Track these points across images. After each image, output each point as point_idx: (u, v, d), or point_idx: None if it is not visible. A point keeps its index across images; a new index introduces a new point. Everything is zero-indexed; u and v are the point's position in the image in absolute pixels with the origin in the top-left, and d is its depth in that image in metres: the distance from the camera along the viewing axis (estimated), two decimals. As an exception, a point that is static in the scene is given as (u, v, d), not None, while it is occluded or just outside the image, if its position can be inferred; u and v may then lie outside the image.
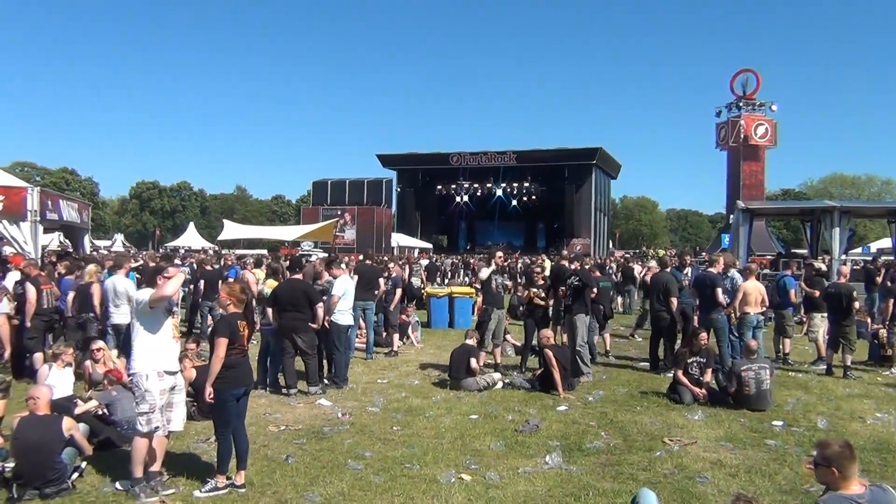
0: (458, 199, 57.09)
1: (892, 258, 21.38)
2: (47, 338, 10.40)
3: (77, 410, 7.08)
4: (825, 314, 11.85)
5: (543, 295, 11.55)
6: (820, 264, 15.09)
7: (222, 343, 5.65)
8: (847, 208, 19.60)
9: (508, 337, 12.03)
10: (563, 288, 10.98)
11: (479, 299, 14.09)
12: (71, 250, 18.30)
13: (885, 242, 34.70)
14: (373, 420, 8.13)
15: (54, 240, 25.08)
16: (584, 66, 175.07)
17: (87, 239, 18.91)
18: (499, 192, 55.62)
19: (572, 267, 11.02)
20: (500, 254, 11.81)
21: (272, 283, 10.87)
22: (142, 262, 18.52)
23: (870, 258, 26.44)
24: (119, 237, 54.76)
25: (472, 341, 10.28)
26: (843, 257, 18.88)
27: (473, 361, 9.88)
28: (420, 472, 6.20)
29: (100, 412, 7.18)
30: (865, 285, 15.51)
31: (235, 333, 5.74)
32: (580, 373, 10.41)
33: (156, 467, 5.71)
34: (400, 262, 20.94)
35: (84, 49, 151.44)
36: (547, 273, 15.16)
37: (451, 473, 6.09)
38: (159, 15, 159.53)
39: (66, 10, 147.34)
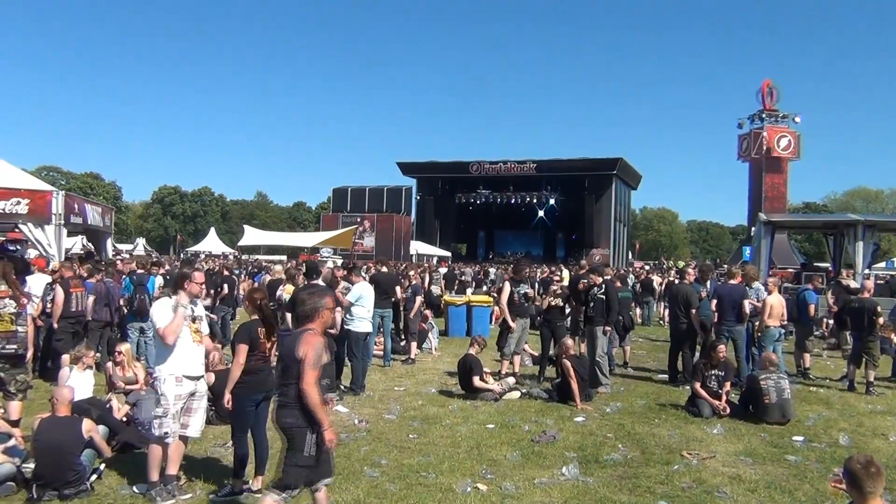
0: (469, 208, 56.91)
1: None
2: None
3: (117, 415, 7.21)
4: None
5: (562, 303, 11.53)
6: (849, 281, 14.81)
7: (242, 350, 5.69)
8: (871, 222, 19.34)
9: (526, 346, 11.99)
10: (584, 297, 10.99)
11: (496, 309, 14.09)
12: (94, 253, 18.50)
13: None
14: (389, 428, 8.13)
15: (77, 243, 25.35)
16: (606, 77, 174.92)
17: (109, 242, 19.16)
18: (518, 202, 55.47)
19: (599, 280, 10.95)
20: (526, 268, 11.82)
21: (290, 289, 10.93)
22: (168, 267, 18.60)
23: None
24: (141, 241, 55.31)
25: (474, 350, 10.25)
26: (867, 272, 18.63)
27: (476, 379, 9.81)
28: (436, 480, 6.18)
29: (128, 414, 7.31)
30: None
31: (255, 340, 5.77)
32: (598, 384, 10.36)
33: (173, 471, 5.73)
34: (419, 270, 20.95)
35: (110, 55, 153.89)
36: (566, 282, 15.13)
37: (467, 483, 6.07)
38: (185, 22, 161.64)
39: (93, 17, 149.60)
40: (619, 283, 13.73)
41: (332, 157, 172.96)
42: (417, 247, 52.04)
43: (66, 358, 9.30)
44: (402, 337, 14.19)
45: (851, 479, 3.59)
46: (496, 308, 14.00)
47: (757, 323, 11.36)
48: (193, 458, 6.56)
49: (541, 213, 56.59)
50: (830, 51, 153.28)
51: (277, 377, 4.95)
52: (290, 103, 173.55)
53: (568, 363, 9.51)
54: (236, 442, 5.81)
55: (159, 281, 12.63)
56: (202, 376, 5.97)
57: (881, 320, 11.43)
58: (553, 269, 23.74)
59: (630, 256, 62.03)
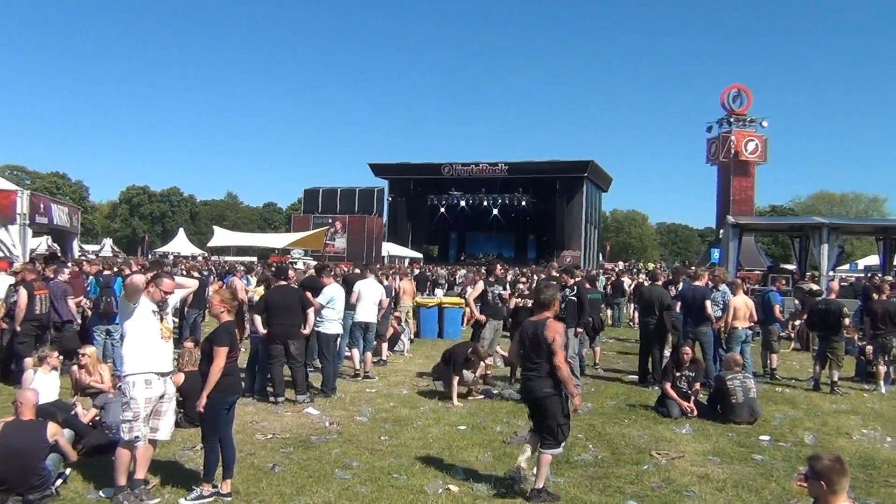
0: (441, 210, 57.09)
1: (879, 275, 21.50)
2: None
3: (84, 419, 7.08)
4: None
5: (530, 304, 11.54)
6: (812, 285, 15.05)
7: (223, 352, 5.59)
8: (836, 225, 19.72)
9: (498, 348, 12.01)
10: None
11: (468, 311, 14.08)
12: (59, 254, 18.19)
13: (873, 259, 34.98)
14: (360, 430, 8.10)
15: (43, 243, 24.94)
16: (577, 80, 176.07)
17: (75, 243, 18.86)
18: (490, 204, 55.72)
19: (570, 282, 11.00)
20: (500, 267, 11.85)
21: (260, 291, 10.85)
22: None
23: (863, 274, 26.56)
24: (108, 242, 54.52)
25: (472, 352, 10.19)
26: (832, 274, 18.99)
27: (455, 380, 9.79)
28: (407, 482, 6.17)
29: (96, 417, 7.19)
30: (863, 303, 15.39)
31: (234, 342, 5.70)
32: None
33: (140, 475, 5.64)
34: (390, 272, 20.87)
35: (76, 53, 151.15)
36: (534, 284, 15.18)
37: (439, 484, 6.07)
38: (152, 21, 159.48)
39: (58, 15, 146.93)
40: (588, 285, 13.79)
41: (304, 158, 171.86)
42: (389, 248, 51.94)
43: (28, 361, 9.14)
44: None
45: (818, 477, 3.63)
46: (468, 310, 14.02)
47: (721, 324, 11.49)
48: (161, 461, 6.46)
49: (512, 215, 56.88)
50: (797, 56, 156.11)
51: (516, 356, 6.22)
52: (261, 103, 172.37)
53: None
54: (207, 446, 5.72)
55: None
56: (170, 374, 5.86)
57: (846, 321, 11.63)
58: (523, 270, 23.78)
59: (601, 258, 62.48)
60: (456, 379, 9.78)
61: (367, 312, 11.32)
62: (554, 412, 5.72)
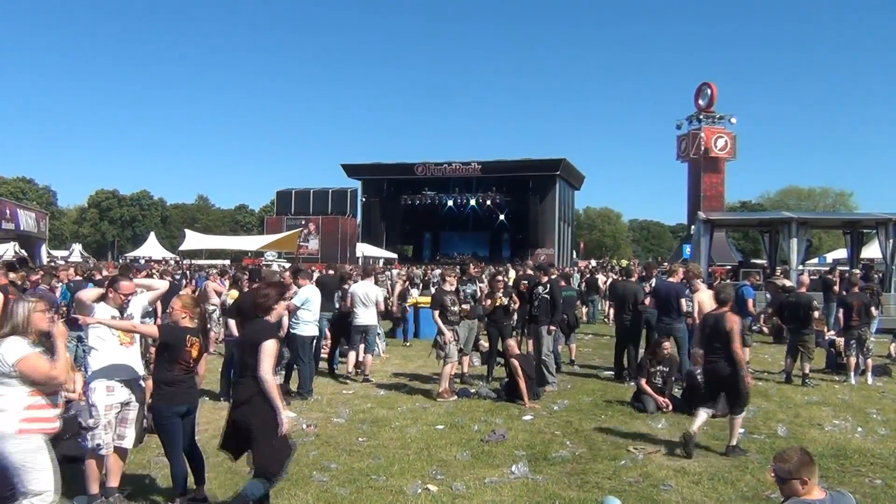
0: (415, 210, 57.11)
1: (846, 268, 21.88)
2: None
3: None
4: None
5: (507, 301, 11.55)
6: (784, 281, 15.28)
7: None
8: (804, 219, 19.99)
9: (482, 342, 12.01)
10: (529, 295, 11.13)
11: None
12: (17, 262, 17.87)
13: (840, 253, 35.56)
14: (338, 431, 8.06)
15: (9, 250, 24.50)
16: (549, 79, 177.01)
17: (43, 249, 18.55)
18: (464, 203, 55.83)
19: (544, 279, 11.04)
20: (472, 266, 11.88)
21: (234, 294, 10.75)
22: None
23: (826, 268, 27.01)
24: (77, 247, 53.52)
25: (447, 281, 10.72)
26: (801, 267, 19.26)
27: (436, 314, 10.24)
28: (386, 483, 6.16)
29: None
30: (824, 295, 15.80)
31: (178, 347, 5.36)
32: (545, 382, 10.46)
33: (114, 483, 5.54)
34: (363, 273, 20.80)
35: (41, 55, 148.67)
36: (510, 282, 15.23)
37: (418, 484, 6.06)
38: (119, 22, 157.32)
39: (21, 15, 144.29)
40: (563, 282, 13.86)
41: (275, 159, 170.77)
42: (363, 249, 51.72)
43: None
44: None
45: (796, 475, 3.65)
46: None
47: (690, 320, 11.59)
48: (136, 467, 6.38)
49: (486, 214, 57.01)
50: (765, 53, 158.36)
51: (701, 343, 7.67)
52: (231, 104, 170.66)
53: (515, 362, 9.58)
54: (171, 459, 5.44)
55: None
56: (136, 380, 5.64)
57: (816, 314, 11.80)
58: (500, 269, 23.83)
59: (575, 256, 62.84)
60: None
61: (365, 315, 11.29)
62: (737, 384, 7.06)
